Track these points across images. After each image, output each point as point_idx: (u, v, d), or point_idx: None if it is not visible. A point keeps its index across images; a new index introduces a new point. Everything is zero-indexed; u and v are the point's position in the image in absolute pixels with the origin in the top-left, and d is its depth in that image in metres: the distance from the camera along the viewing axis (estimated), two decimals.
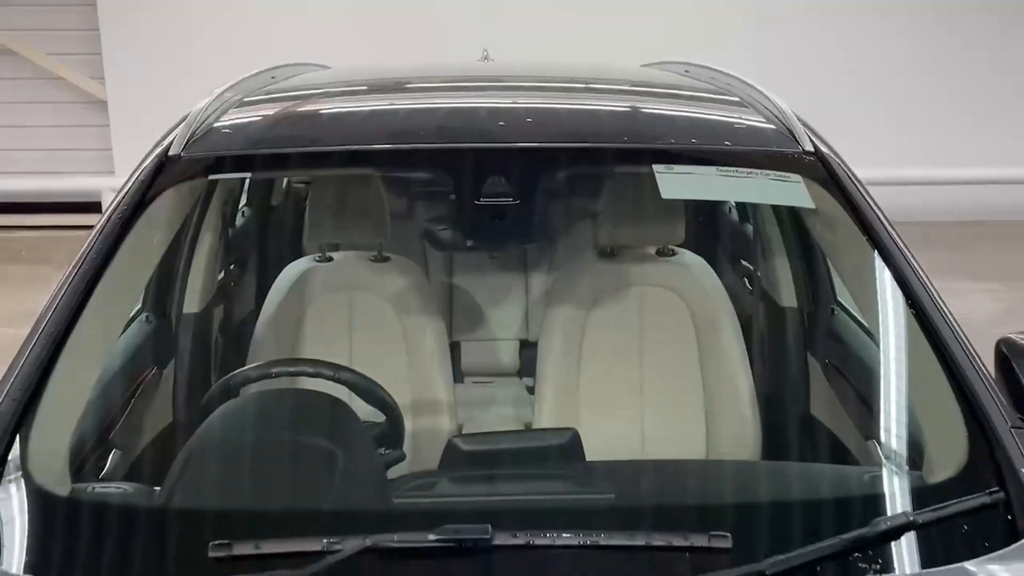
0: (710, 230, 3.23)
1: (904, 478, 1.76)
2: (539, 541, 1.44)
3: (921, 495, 1.66)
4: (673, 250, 2.71)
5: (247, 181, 3.22)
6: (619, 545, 1.45)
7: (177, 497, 1.67)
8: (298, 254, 3.11)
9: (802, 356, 2.64)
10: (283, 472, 1.76)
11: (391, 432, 2.03)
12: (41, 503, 1.59)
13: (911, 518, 1.49)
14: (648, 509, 1.63)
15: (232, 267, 3.08)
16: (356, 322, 2.68)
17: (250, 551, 1.42)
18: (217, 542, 1.43)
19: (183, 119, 2.25)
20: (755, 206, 2.95)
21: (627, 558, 1.45)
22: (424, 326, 2.67)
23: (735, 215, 3.28)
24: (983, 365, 1.82)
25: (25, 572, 1.41)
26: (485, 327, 3.27)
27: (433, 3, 9.17)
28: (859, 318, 2.41)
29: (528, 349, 3.24)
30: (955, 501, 1.56)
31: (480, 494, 1.72)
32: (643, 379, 2.60)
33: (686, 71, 2.95)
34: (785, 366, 2.66)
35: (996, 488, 1.57)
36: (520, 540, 1.44)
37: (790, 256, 2.71)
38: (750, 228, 3.12)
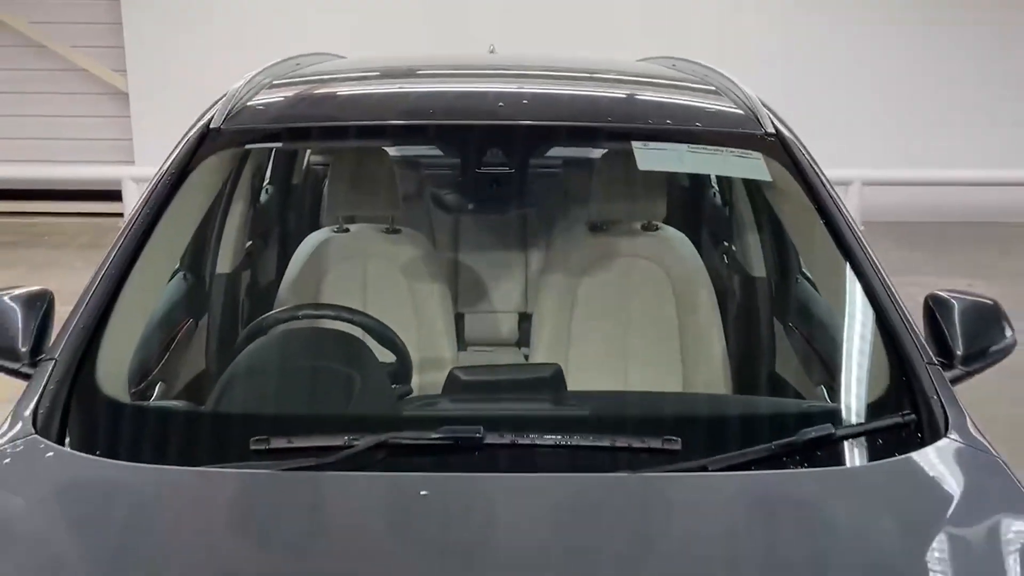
0: (690, 208, 3.53)
1: (838, 404, 2.06)
2: (522, 441, 1.74)
3: (848, 416, 1.96)
4: (656, 225, 3.00)
5: (271, 161, 3.53)
6: (587, 445, 1.75)
7: (223, 405, 1.98)
8: (315, 226, 3.41)
9: (769, 321, 2.93)
10: (311, 388, 2.07)
11: (401, 370, 2.33)
12: (112, 410, 1.91)
13: (834, 431, 1.80)
14: (614, 420, 1.94)
15: (258, 235, 3.38)
16: (369, 287, 2.98)
17: (284, 445, 1.73)
18: (257, 438, 1.74)
19: (220, 98, 2.55)
20: (730, 187, 3.25)
21: (594, 455, 1.75)
22: (431, 292, 2.97)
23: (713, 195, 3.57)
24: (910, 318, 2.11)
25: (103, 456, 1.73)
26: (487, 300, 3.56)
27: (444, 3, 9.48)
28: (815, 282, 2.70)
29: (527, 321, 3.52)
30: (874, 420, 1.87)
31: (475, 409, 2.02)
32: (627, 341, 2.89)
33: (673, 64, 3.25)
34: (755, 330, 2.95)
35: (909, 411, 1.87)
36: (506, 440, 1.74)
37: (761, 231, 3.01)
38: (726, 206, 3.41)
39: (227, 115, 2.42)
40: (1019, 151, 9.90)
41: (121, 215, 9.68)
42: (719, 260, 3.26)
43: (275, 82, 2.73)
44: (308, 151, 3.90)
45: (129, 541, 1.55)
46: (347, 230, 3.09)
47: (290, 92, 2.68)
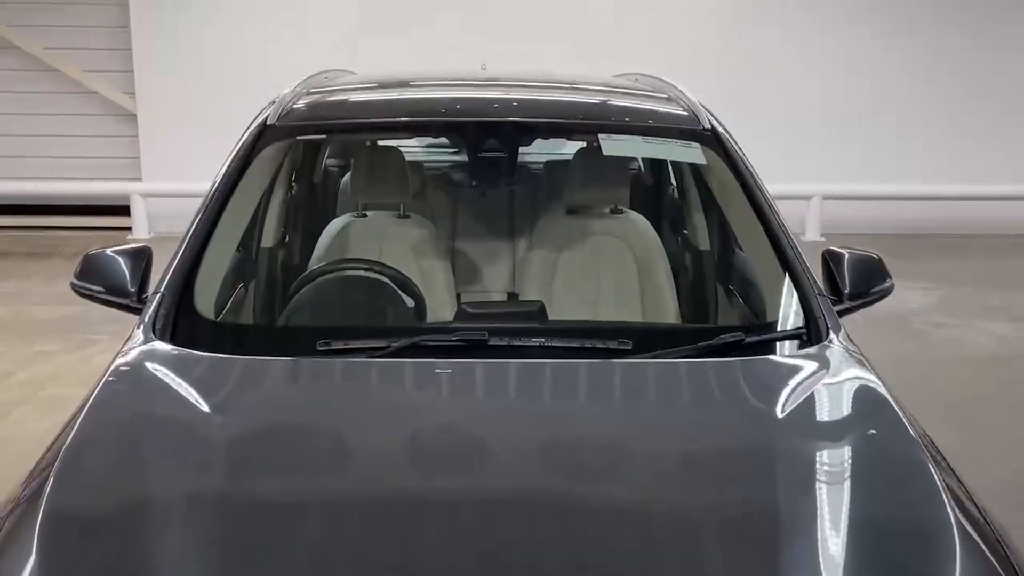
0: (649, 196, 4.20)
1: (752, 323, 2.73)
2: (516, 343, 2.40)
3: (759, 330, 2.64)
4: (622, 210, 3.66)
5: (297, 164, 4.17)
6: (562, 346, 2.42)
7: (293, 321, 2.62)
8: (332, 214, 4.05)
9: (713, 286, 3.58)
10: (358, 310, 2.71)
11: (418, 310, 2.97)
12: (209, 324, 2.57)
13: (744, 337, 2.46)
14: (584, 332, 2.60)
15: (292, 219, 4.02)
16: (385, 263, 3.62)
17: (342, 346, 2.38)
18: (322, 341, 2.39)
19: (271, 103, 3.20)
20: (681, 176, 3.92)
21: (567, 351, 2.41)
22: (435, 268, 3.61)
23: (668, 186, 4.25)
24: (809, 267, 2.77)
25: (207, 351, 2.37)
26: (480, 282, 4.19)
27: (440, 27, 10.20)
28: (744, 249, 3.36)
29: (514, 300, 4.15)
30: (774, 332, 2.54)
31: (480, 325, 2.67)
32: (597, 305, 3.53)
33: (636, 79, 3.93)
34: (700, 293, 3.61)
35: (802, 327, 2.54)
36: (504, 341, 2.40)
37: (707, 213, 3.67)
38: (678, 194, 4.09)
39: (279, 115, 3.08)
40: (975, 167, 10.67)
41: (129, 229, 10.32)
42: (672, 237, 3.92)
43: (311, 90, 3.39)
44: (325, 157, 4.56)
45: (239, 398, 2.21)
46: (365, 215, 3.72)
47: (325, 97, 3.34)
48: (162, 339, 2.41)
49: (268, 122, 3.07)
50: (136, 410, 2.21)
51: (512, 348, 2.40)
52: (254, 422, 2.14)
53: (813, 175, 10.34)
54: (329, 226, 3.68)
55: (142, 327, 2.46)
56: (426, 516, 1.80)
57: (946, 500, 1.85)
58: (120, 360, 2.36)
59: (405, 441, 2.08)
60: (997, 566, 1.71)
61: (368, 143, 3.73)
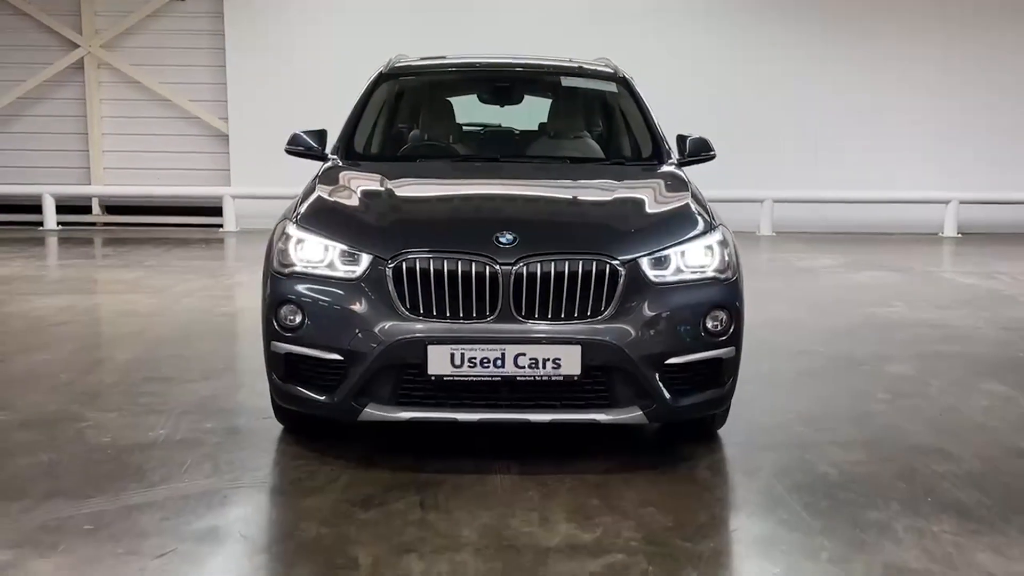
0: (595, 125, 6.81)
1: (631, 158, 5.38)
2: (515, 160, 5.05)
3: (632, 161, 5.28)
4: (580, 135, 6.25)
5: (389, 107, 6.77)
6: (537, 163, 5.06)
7: (406, 154, 5.31)
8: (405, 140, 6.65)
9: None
10: (436, 153, 5.40)
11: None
12: (356, 154, 5.22)
13: (624, 163, 5.09)
14: (550, 157, 5.25)
15: (384, 144, 6.63)
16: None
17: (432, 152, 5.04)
18: (422, 155, 5.03)
19: (384, 64, 5.87)
20: (613, 114, 6.52)
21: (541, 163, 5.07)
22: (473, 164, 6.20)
23: (605, 119, 6.84)
24: (671, 146, 5.37)
25: (361, 161, 5.01)
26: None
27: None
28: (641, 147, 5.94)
29: None
30: (640, 160, 5.18)
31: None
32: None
33: (595, 59, 6.58)
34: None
35: (656, 160, 5.16)
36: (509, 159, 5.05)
37: (627, 131, 6.25)
38: (610, 123, 6.70)
39: (389, 69, 5.76)
40: (896, 177, 13.28)
41: (220, 226, 13.01)
42: (609, 148, 6.51)
43: (399, 60, 6.05)
44: (397, 117, 7.20)
45: (385, 164, 4.88)
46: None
47: (409, 62, 6.02)
48: (341, 158, 5.05)
49: (383, 72, 5.74)
50: (340, 173, 4.80)
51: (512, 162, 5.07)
52: (395, 169, 4.77)
53: (765, 183, 12.94)
54: (410, 136, 6.30)
55: (331, 156, 5.10)
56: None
57: (690, 201, 4.43)
58: (325, 165, 4.97)
59: (461, 166, 4.95)
60: (710, 220, 4.27)
61: (432, 97, 6.35)
